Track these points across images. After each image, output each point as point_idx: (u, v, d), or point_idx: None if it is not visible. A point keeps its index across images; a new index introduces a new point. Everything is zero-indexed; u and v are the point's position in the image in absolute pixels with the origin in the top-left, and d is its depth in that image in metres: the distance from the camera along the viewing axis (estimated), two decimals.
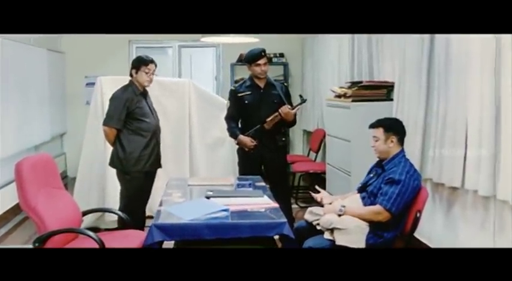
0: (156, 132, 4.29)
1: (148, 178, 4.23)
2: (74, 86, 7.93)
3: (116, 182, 5.02)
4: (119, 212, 3.54)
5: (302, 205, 6.24)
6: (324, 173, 5.84)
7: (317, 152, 6.84)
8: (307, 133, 7.77)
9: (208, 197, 3.22)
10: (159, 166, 4.43)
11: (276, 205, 3.16)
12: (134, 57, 7.87)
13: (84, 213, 3.51)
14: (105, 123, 4.18)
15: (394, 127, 3.34)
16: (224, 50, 8.16)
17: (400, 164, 3.24)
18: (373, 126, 3.39)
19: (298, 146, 8.14)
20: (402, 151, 3.33)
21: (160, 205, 3.18)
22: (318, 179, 6.79)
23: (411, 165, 3.29)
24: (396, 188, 3.11)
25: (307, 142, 7.93)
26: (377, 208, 3.14)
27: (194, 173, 5.40)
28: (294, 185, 6.41)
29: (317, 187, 3.60)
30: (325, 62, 6.70)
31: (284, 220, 2.84)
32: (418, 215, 3.09)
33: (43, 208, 3.06)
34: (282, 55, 8.03)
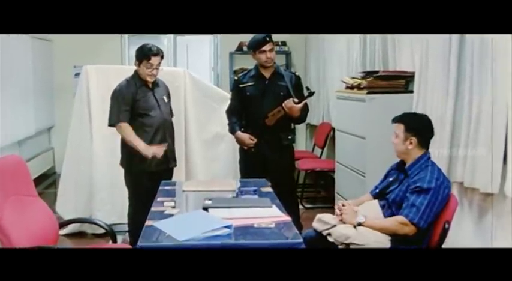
0: (163, 127, 3.89)
1: (158, 179, 3.67)
2: (62, 77, 7.47)
3: (104, 180, 4.73)
4: (102, 224, 3.04)
5: (308, 205, 5.79)
6: (332, 171, 5.37)
7: (323, 148, 6.38)
8: (311, 127, 7.29)
9: (206, 208, 2.72)
10: (171, 165, 4.04)
11: (288, 218, 2.66)
12: (126, 46, 7.73)
13: (61, 224, 3.03)
14: (110, 123, 3.85)
15: (417, 127, 2.90)
16: (222, 38, 7.71)
17: (426, 169, 2.81)
18: (395, 120, 2.97)
19: (301, 141, 7.62)
20: (427, 153, 2.90)
21: (149, 218, 2.67)
22: (326, 178, 6.34)
23: (439, 170, 2.86)
24: (425, 198, 2.70)
25: (310, 137, 7.46)
26: (403, 218, 2.72)
27: (190, 172, 4.92)
28: (298, 183, 5.94)
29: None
30: (332, 51, 6.19)
31: (300, 239, 2.35)
32: (446, 226, 2.67)
33: (9, 221, 2.58)
34: (284, 43, 7.53)
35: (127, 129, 3.78)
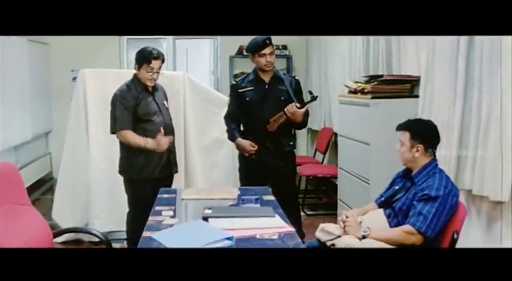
0: (165, 133, 3.76)
1: (159, 186, 3.60)
2: (60, 81, 7.35)
3: (102, 187, 4.62)
4: (97, 233, 2.92)
5: (309, 212, 5.68)
6: (334, 177, 5.26)
7: (324, 154, 6.26)
8: (313, 132, 7.18)
9: (206, 218, 2.60)
10: (173, 171, 3.94)
11: (292, 228, 2.55)
12: (125, 49, 7.62)
13: (56, 234, 2.91)
14: (111, 131, 3.74)
15: (422, 134, 2.79)
16: (222, 41, 7.61)
17: (434, 176, 2.71)
18: (399, 128, 2.87)
19: (302, 146, 7.51)
20: (434, 160, 2.79)
21: (146, 228, 2.56)
22: (327, 183, 6.24)
23: (447, 177, 2.75)
24: (433, 206, 2.59)
25: (312, 142, 7.35)
26: (409, 228, 2.62)
27: (190, 179, 4.80)
28: (299, 189, 5.82)
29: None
30: (334, 53, 6.09)
31: None
32: (455, 236, 2.56)
33: (1, 230, 2.46)
34: (285, 47, 7.43)
35: (128, 134, 3.67)
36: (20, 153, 6.30)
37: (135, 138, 3.66)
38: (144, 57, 3.68)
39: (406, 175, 2.89)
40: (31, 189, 6.33)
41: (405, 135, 2.80)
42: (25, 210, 2.75)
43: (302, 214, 5.14)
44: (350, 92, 4.44)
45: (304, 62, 7.52)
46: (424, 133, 2.80)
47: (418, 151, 2.75)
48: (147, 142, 3.63)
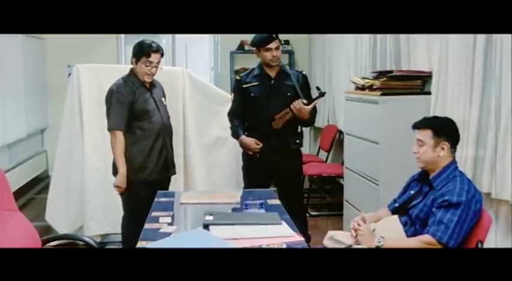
0: (163, 132, 3.62)
1: (156, 189, 3.42)
2: (55, 77, 7.14)
3: (97, 187, 4.41)
4: (91, 241, 2.71)
5: (313, 212, 5.47)
6: (340, 176, 5.07)
7: (328, 152, 6.07)
8: (316, 129, 6.98)
9: (207, 226, 2.40)
10: (171, 172, 3.77)
11: (300, 237, 2.35)
12: (123, 44, 7.43)
13: (45, 242, 2.71)
14: (107, 128, 3.55)
15: (447, 130, 2.54)
16: (222, 37, 7.42)
17: (454, 179, 2.46)
18: (417, 126, 2.60)
19: (305, 144, 7.27)
20: (454, 162, 2.55)
21: (141, 237, 2.36)
22: (332, 183, 6.04)
23: (469, 181, 2.51)
24: (455, 214, 2.35)
25: (315, 140, 7.15)
26: (429, 238, 2.39)
27: (189, 180, 4.60)
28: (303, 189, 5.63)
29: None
30: (339, 49, 5.89)
31: None
32: (479, 246, 2.36)
33: None
34: (287, 42, 7.23)
35: (119, 138, 3.51)
36: (14, 151, 6.12)
37: (119, 151, 3.51)
38: (143, 51, 3.51)
39: (422, 179, 2.66)
40: (26, 188, 6.17)
41: (426, 133, 2.54)
42: (12, 216, 2.55)
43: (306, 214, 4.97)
44: (357, 88, 4.25)
45: (307, 58, 7.34)
46: (448, 129, 2.55)
47: (443, 149, 2.50)
48: (121, 168, 3.50)
